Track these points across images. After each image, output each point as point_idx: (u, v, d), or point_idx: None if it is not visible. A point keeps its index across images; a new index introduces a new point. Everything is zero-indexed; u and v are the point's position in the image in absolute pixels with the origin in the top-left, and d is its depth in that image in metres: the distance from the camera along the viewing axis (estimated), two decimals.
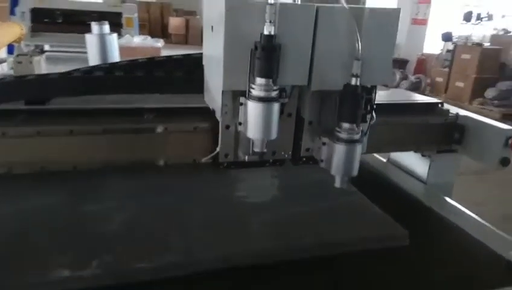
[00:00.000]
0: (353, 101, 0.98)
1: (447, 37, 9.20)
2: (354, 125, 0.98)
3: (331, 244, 1.10)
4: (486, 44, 8.71)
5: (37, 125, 1.05)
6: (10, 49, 3.86)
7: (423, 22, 10.42)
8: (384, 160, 1.67)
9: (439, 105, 1.47)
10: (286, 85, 1.00)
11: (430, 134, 1.39)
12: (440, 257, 1.12)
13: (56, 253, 1.00)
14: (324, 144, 1.05)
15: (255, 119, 0.96)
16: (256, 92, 0.94)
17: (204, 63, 1.17)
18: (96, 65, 1.27)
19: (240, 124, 1.03)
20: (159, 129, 1.11)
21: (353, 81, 0.96)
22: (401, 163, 1.59)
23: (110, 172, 1.20)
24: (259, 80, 0.93)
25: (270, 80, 0.93)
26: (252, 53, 0.92)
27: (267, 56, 0.91)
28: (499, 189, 3.98)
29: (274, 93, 0.95)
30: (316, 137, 1.10)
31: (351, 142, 0.99)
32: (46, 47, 4.02)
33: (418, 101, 1.52)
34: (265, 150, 1.02)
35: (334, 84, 1.01)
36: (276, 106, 0.95)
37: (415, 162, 1.52)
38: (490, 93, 7.86)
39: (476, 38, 9.37)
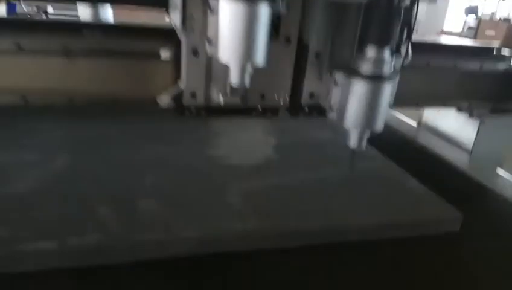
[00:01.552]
0: (385, 13, 0.62)
1: (471, 11, 8.59)
2: (383, 52, 0.63)
3: (354, 232, 0.76)
4: None
5: None
6: (11, 8, 3.55)
7: None
8: (414, 124, 1.30)
9: (496, 51, 1.08)
10: None
11: (484, 86, 1.02)
12: (503, 246, 0.77)
13: None
14: (336, 83, 0.70)
15: (229, 31, 0.60)
16: None
17: None
18: None
19: (210, 42, 0.67)
20: (103, 53, 0.75)
21: None
22: (437, 127, 1.22)
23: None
24: None
25: None
26: None
27: None
28: None
29: None
30: (326, 75, 0.75)
31: (376, 77, 0.63)
32: (50, 9, 3.69)
33: (469, 45, 1.13)
34: (247, 86, 0.66)
35: None
36: (264, 8, 0.58)
37: (456, 125, 1.15)
38: None
39: (500, 15, 8.81)
